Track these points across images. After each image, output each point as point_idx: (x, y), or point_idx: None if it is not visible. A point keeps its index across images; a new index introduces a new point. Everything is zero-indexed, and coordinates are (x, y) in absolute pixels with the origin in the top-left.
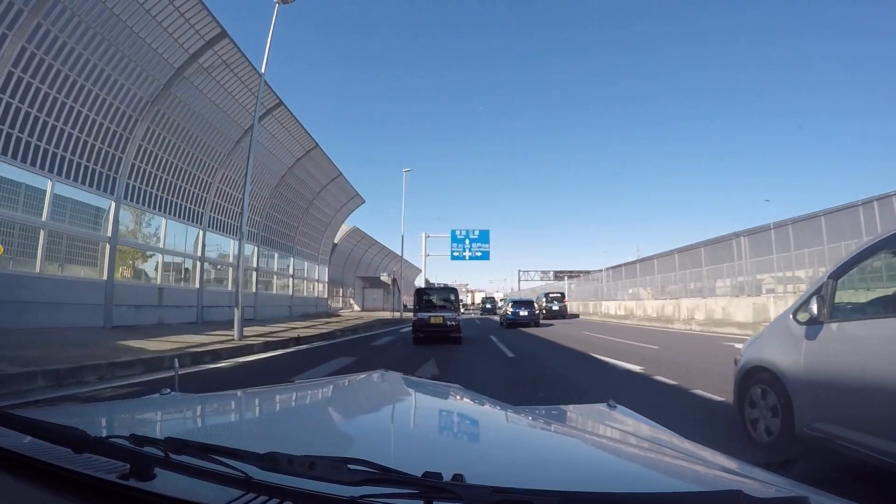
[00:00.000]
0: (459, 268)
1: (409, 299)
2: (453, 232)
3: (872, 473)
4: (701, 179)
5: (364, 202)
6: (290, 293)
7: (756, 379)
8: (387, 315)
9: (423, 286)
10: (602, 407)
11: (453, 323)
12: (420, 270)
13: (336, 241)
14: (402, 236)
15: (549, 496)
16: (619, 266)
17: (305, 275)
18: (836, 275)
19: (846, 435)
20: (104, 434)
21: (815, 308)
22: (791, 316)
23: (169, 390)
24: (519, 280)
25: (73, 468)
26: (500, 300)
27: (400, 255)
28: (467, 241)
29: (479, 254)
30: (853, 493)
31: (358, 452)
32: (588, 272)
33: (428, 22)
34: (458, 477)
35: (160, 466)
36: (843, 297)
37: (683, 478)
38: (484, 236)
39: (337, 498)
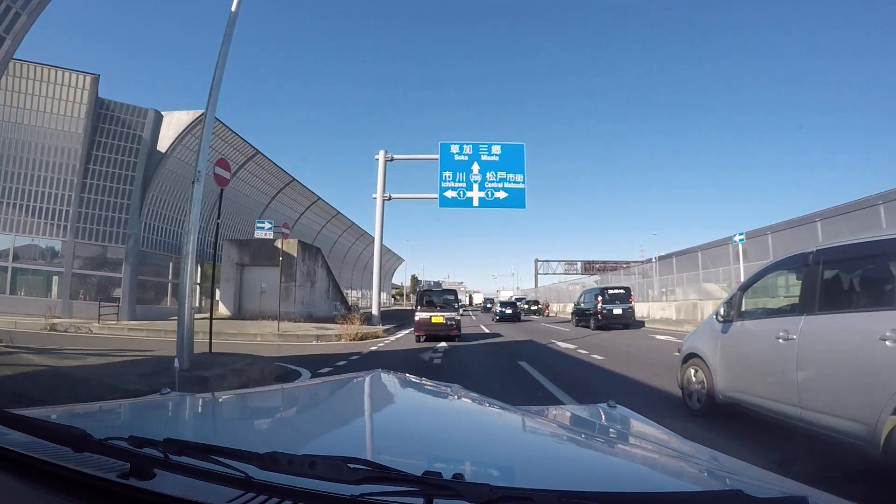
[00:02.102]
0: (453, 251)
1: (371, 302)
2: (445, 148)
3: (871, 473)
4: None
5: None
6: None
7: (691, 363)
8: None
9: (402, 279)
10: (602, 407)
11: (453, 322)
12: (401, 259)
13: (163, 147)
14: None
15: (548, 495)
16: (672, 255)
17: None
18: (743, 288)
19: (746, 399)
20: (104, 434)
21: (722, 311)
22: (714, 316)
23: (169, 390)
24: (536, 273)
25: (74, 468)
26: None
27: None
28: (476, 168)
29: (503, 195)
30: (853, 493)
31: (358, 452)
32: (626, 264)
33: (428, 12)
34: (457, 476)
35: (160, 467)
36: (749, 304)
37: (683, 478)
38: (514, 158)
39: (337, 497)
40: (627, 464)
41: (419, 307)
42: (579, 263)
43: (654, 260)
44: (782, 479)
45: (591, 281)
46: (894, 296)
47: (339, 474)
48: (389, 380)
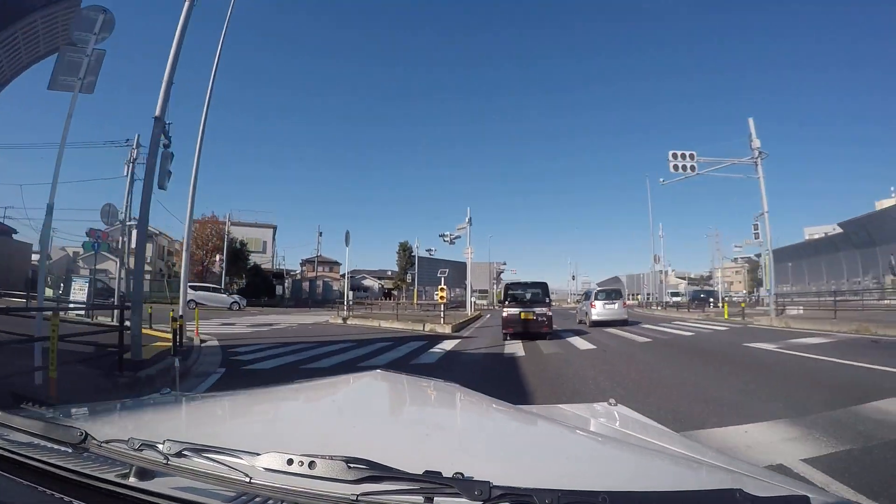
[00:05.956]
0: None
1: None
2: None
3: (869, 473)
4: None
5: None
6: None
7: (581, 312)
8: None
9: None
10: (602, 406)
11: (544, 318)
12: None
13: None
14: None
15: (548, 494)
16: None
17: None
18: (586, 297)
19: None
20: (104, 434)
21: (582, 303)
22: (586, 303)
23: (169, 390)
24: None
25: (73, 468)
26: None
27: None
28: None
29: None
30: (852, 493)
31: (358, 452)
32: None
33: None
34: (457, 475)
35: (159, 467)
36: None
37: (683, 477)
38: None
39: (337, 497)
40: (627, 462)
41: (506, 302)
42: None
43: None
44: (783, 479)
45: None
46: (589, 296)
47: (339, 474)
48: (389, 379)
